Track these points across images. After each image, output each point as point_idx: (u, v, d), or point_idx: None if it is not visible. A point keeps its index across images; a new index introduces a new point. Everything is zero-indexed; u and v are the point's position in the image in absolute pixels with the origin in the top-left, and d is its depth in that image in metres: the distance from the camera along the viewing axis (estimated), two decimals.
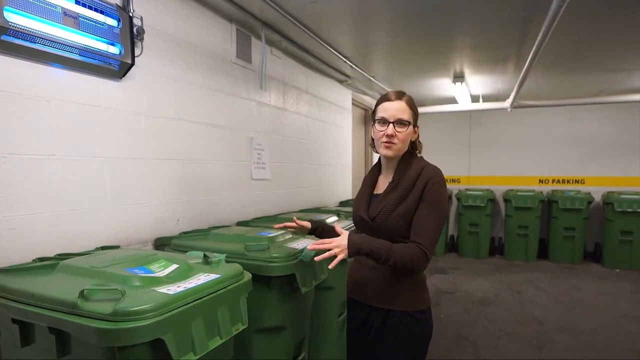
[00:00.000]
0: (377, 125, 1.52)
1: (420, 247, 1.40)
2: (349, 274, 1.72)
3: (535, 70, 3.86)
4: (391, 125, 1.47)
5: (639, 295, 4.45)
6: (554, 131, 6.33)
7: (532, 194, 5.85)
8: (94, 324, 1.02)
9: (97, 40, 1.76)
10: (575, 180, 6.33)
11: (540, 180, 6.49)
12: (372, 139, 1.60)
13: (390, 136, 1.47)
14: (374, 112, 1.55)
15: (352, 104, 5.12)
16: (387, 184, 1.54)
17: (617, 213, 5.36)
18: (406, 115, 1.48)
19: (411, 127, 1.50)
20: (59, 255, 1.65)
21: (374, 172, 1.66)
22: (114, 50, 1.84)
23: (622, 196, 5.42)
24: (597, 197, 5.80)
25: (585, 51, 3.68)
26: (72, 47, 1.66)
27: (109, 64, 1.86)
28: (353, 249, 1.42)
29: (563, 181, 6.41)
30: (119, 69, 1.90)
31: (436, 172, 1.48)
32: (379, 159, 1.66)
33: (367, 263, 1.54)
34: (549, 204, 5.90)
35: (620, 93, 5.32)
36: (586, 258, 5.85)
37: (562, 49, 3.58)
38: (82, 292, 1.08)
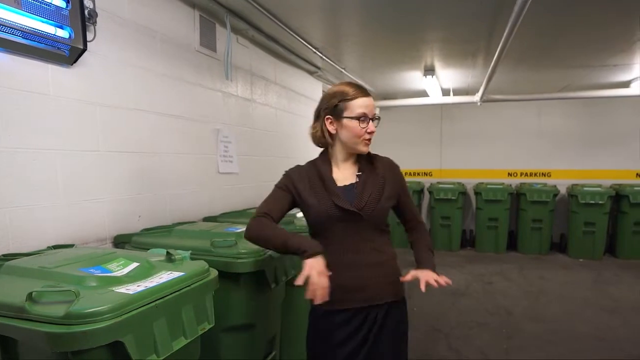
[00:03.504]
0: (354, 122, 1.42)
1: (423, 224, 1.68)
2: (333, 282, 1.41)
3: (503, 65, 3.92)
4: (371, 121, 1.45)
5: (599, 284, 4.61)
6: (522, 125, 6.48)
7: (501, 186, 5.97)
8: (44, 328, 0.97)
9: (43, 22, 1.63)
10: (542, 174, 6.51)
11: (509, 174, 6.63)
12: (330, 134, 1.47)
13: (372, 133, 1.45)
14: (340, 107, 1.43)
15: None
16: (353, 176, 1.50)
17: (580, 205, 5.54)
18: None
19: None
20: (3, 255, 1.55)
21: (327, 165, 1.51)
22: (62, 33, 1.71)
23: (585, 188, 5.59)
24: (563, 190, 5.99)
25: (550, 47, 3.77)
26: (13, 28, 1.53)
27: (58, 48, 1.73)
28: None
29: (531, 174, 6.57)
30: (69, 55, 1.77)
31: (392, 160, 1.60)
32: (322, 153, 1.55)
33: (363, 262, 1.46)
34: (517, 197, 6.04)
35: (583, 89, 5.49)
36: (552, 249, 6.03)
37: (529, 45, 3.64)
38: (30, 294, 1.02)
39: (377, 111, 1.49)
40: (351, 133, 1.44)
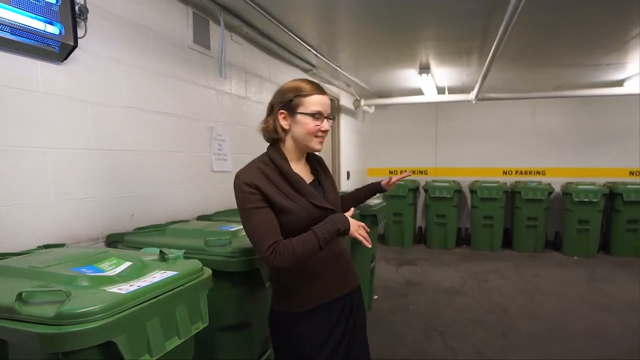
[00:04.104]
0: (309, 119, 1.40)
1: None
2: (302, 286, 1.47)
3: (498, 64, 3.92)
4: (326, 120, 1.44)
5: (594, 281, 4.64)
6: (517, 124, 6.50)
7: (496, 185, 5.98)
8: (34, 328, 0.95)
9: (33, 18, 1.60)
10: (537, 172, 6.54)
11: (504, 172, 6.66)
12: (283, 129, 1.44)
13: (326, 131, 1.45)
14: (295, 102, 1.40)
15: None
16: (307, 173, 1.55)
17: (575, 203, 5.56)
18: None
19: None
20: None
21: (287, 163, 1.45)
22: (52, 29, 1.68)
23: (579, 187, 5.62)
24: (557, 188, 6.01)
25: (545, 46, 3.78)
26: (1, 24, 1.50)
27: (48, 45, 1.70)
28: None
29: (525, 172, 6.60)
30: (59, 51, 1.74)
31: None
32: (274, 151, 1.47)
33: (336, 253, 1.51)
34: (512, 195, 6.06)
35: (577, 88, 5.52)
36: (547, 246, 6.06)
37: (523, 43, 3.64)
38: (19, 294, 1.00)
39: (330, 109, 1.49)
40: (304, 129, 1.41)
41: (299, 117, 1.41)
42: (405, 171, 1.83)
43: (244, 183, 1.36)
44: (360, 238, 1.41)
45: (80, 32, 1.82)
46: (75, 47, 1.78)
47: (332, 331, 1.48)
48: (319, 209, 1.42)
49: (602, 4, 2.79)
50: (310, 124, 1.41)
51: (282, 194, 1.39)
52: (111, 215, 2.09)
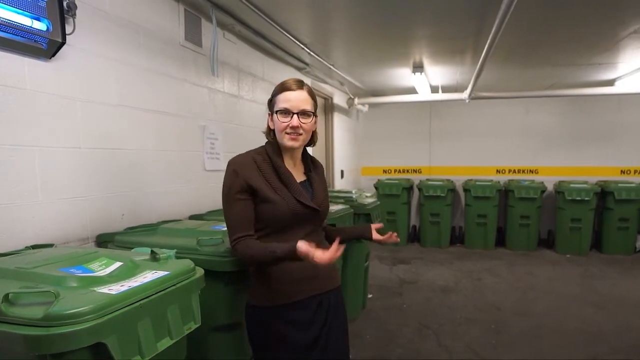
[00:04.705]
0: (279, 116, 1.45)
1: None
2: (275, 280, 1.48)
3: (491, 63, 3.93)
4: (295, 116, 1.43)
5: (586, 279, 4.67)
6: (510, 123, 6.53)
7: (490, 183, 6.00)
8: (22, 330, 0.94)
9: (19, 13, 1.57)
10: (530, 170, 6.57)
11: (497, 170, 6.68)
12: (269, 129, 1.52)
13: (295, 127, 1.44)
14: (272, 101, 1.50)
15: None
16: (300, 173, 1.58)
17: (567, 201, 5.60)
18: (309, 105, 1.47)
19: (314, 117, 1.50)
20: None
21: (280, 158, 1.50)
22: (39, 25, 1.65)
23: (571, 185, 5.66)
24: (550, 187, 6.05)
25: (537, 45, 3.79)
26: None
27: (35, 41, 1.67)
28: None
29: (518, 171, 6.63)
30: (47, 48, 1.72)
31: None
32: (272, 145, 1.52)
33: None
34: (505, 194, 6.08)
35: (570, 87, 5.55)
36: (540, 245, 6.09)
37: (516, 42, 3.66)
38: (6, 295, 0.99)
39: (307, 106, 1.46)
40: (277, 127, 1.47)
41: (274, 116, 1.48)
42: (395, 233, 1.79)
43: (233, 171, 1.44)
44: (319, 261, 1.31)
45: (68, 29, 1.79)
46: (63, 43, 1.75)
47: (305, 329, 1.48)
48: (303, 206, 1.46)
49: (594, 4, 2.80)
50: (279, 121, 1.45)
51: (269, 186, 1.44)
52: (101, 215, 2.06)
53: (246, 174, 1.43)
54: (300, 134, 1.46)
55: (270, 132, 1.53)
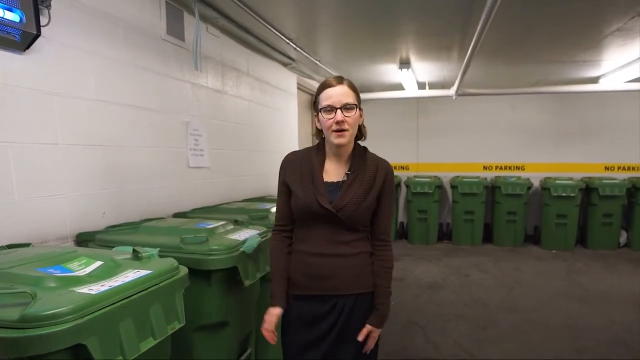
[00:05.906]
0: (323, 114, 1.46)
1: (389, 245, 1.57)
2: (293, 268, 1.55)
3: (478, 59, 3.94)
4: (339, 111, 1.43)
5: (571, 274, 4.74)
6: (497, 119, 6.58)
7: (477, 180, 6.04)
8: None
9: None
10: (516, 167, 6.63)
11: (484, 167, 6.73)
12: (318, 130, 1.55)
13: (340, 122, 1.42)
14: (316, 102, 1.51)
15: (298, 88, 5.01)
16: (343, 172, 1.51)
17: (553, 197, 5.67)
18: (351, 98, 1.46)
19: (358, 110, 1.48)
20: None
21: (320, 157, 1.53)
22: (11, 16, 1.59)
23: (557, 182, 5.73)
24: (536, 183, 6.12)
25: (523, 41, 3.82)
26: None
27: (8, 32, 1.61)
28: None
29: (505, 167, 6.69)
30: (20, 40, 1.66)
31: (390, 165, 1.56)
32: (319, 144, 1.58)
33: (333, 253, 1.48)
34: (492, 190, 6.13)
35: (555, 84, 5.61)
36: (527, 240, 6.16)
37: (502, 38, 3.67)
38: None
39: (349, 99, 1.45)
40: (323, 126, 1.48)
41: (319, 115, 1.49)
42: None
43: (281, 166, 1.59)
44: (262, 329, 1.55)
45: (43, 20, 1.73)
46: (38, 35, 1.70)
47: (315, 322, 1.50)
48: (320, 205, 1.45)
49: (578, 1, 2.82)
50: (324, 119, 1.46)
51: (299, 181, 1.50)
52: (81, 213, 2.01)
53: (287, 170, 1.55)
54: (346, 129, 1.44)
55: (319, 133, 1.55)
